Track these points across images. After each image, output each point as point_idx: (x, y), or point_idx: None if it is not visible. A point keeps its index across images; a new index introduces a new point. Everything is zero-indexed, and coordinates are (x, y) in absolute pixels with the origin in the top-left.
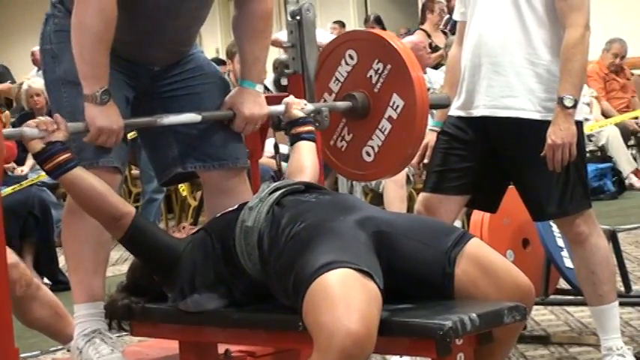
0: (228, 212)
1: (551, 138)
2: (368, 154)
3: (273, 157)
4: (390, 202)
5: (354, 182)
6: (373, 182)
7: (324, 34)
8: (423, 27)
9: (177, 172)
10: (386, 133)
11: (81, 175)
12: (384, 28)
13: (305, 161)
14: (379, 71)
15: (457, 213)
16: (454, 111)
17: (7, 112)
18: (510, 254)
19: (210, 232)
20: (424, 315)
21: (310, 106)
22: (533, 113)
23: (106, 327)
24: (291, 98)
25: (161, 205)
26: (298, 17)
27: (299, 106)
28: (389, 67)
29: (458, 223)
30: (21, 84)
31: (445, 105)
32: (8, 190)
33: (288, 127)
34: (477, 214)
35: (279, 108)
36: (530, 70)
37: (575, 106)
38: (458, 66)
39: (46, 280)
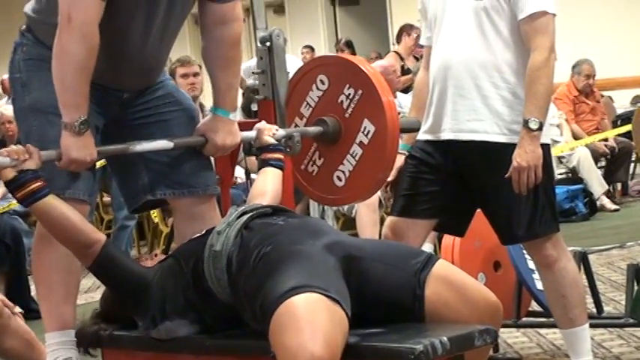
0: (195, 238)
1: (516, 160)
2: (339, 178)
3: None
4: (363, 226)
5: (325, 206)
6: (345, 206)
7: (293, 61)
8: (396, 49)
9: (147, 199)
10: (357, 158)
11: (53, 203)
12: (354, 52)
13: (267, 186)
14: (350, 96)
15: (425, 237)
16: (422, 135)
17: None
18: (482, 277)
19: (179, 258)
20: (395, 339)
21: (281, 132)
22: (498, 136)
23: (78, 355)
24: (262, 124)
25: (133, 232)
26: (268, 43)
27: (270, 132)
28: (360, 92)
29: (430, 247)
30: None
31: (415, 129)
32: None
33: (257, 152)
34: (448, 238)
35: (251, 134)
36: (495, 94)
37: (540, 129)
38: (425, 90)
39: (18, 308)
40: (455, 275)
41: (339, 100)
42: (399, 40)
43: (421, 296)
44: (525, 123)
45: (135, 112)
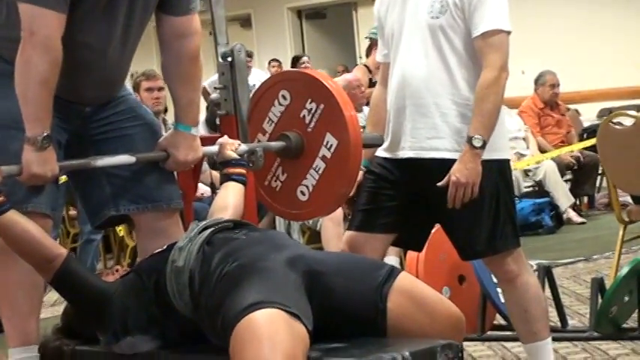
0: (157, 253)
1: (455, 175)
2: (303, 193)
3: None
4: (328, 240)
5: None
6: (311, 220)
7: (261, 75)
8: (365, 63)
9: (111, 214)
10: (320, 172)
11: (14, 218)
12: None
13: (229, 200)
14: (312, 111)
15: (383, 251)
16: (380, 152)
17: None
18: (446, 290)
19: (141, 273)
20: (357, 354)
21: (244, 147)
22: (458, 154)
23: None
24: (225, 139)
25: (99, 246)
26: (230, 58)
27: (232, 147)
28: (322, 106)
29: (395, 260)
30: None
31: (378, 144)
32: None
33: (220, 167)
34: (413, 251)
35: (214, 149)
36: (454, 111)
37: (483, 147)
38: (381, 105)
39: None
40: (417, 288)
41: (302, 115)
42: (368, 53)
43: (383, 310)
44: (469, 139)
45: (97, 127)
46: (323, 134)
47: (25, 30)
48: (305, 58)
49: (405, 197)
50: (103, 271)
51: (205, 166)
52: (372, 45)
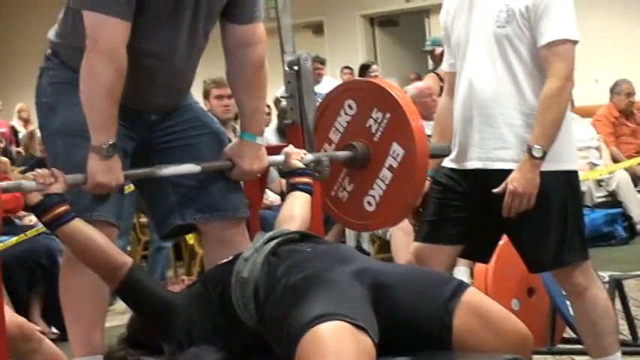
0: (223, 263)
1: (513, 184)
2: (369, 203)
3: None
4: (398, 250)
5: None
6: (380, 230)
7: (333, 84)
8: (437, 71)
9: (177, 224)
10: (387, 182)
11: (79, 227)
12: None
13: (295, 211)
14: (378, 120)
15: (449, 263)
16: (447, 162)
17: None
18: (516, 303)
19: (206, 283)
20: None
21: (310, 156)
22: None
23: None
24: (290, 148)
25: (170, 253)
26: (296, 67)
27: (298, 156)
28: (388, 116)
29: (466, 270)
30: (31, 132)
31: (445, 154)
32: (14, 240)
33: (286, 176)
34: (482, 264)
35: (280, 158)
36: (521, 121)
37: (543, 157)
38: (447, 115)
39: (54, 329)
40: (484, 304)
41: (368, 124)
42: (439, 62)
43: (449, 326)
44: (529, 149)
45: (163, 136)
46: (389, 144)
47: (90, 38)
48: (374, 67)
49: (472, 208)
50: (168, 281)
51: (275, 174)
52: (442, 53)
